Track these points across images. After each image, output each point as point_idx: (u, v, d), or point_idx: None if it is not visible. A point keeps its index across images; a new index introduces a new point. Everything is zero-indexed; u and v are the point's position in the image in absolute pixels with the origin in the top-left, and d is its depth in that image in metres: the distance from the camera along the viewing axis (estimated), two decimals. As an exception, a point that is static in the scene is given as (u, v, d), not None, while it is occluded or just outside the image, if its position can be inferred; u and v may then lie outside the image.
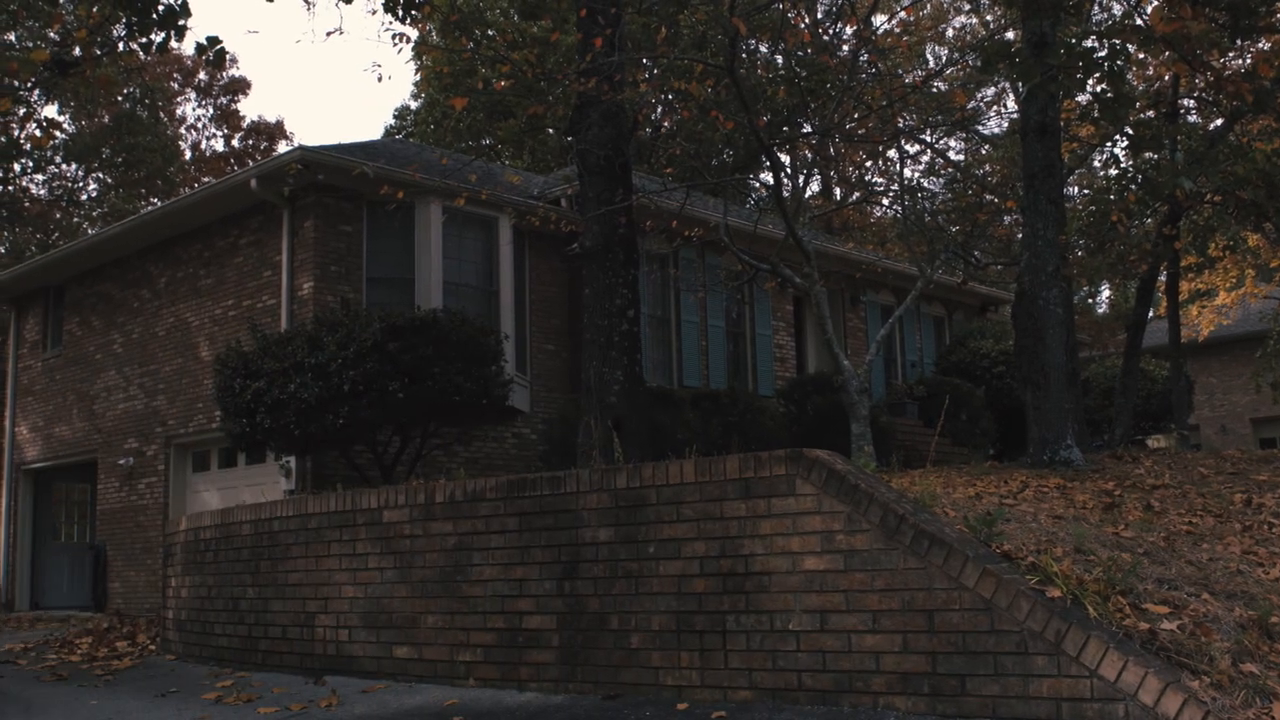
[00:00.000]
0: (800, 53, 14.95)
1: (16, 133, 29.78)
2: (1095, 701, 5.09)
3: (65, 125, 31.71)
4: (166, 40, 8.31)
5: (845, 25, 16.90)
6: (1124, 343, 19.48)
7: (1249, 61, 13.95)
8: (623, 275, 11.69)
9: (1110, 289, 40.42)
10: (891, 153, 21.53)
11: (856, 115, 14.49)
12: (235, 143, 39.64)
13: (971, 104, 24.05)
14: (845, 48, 15.79)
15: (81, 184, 33.38)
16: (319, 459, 13.81)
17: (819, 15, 17.70)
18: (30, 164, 31.57)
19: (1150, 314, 21.47)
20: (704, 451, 9.95)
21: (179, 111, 38.38)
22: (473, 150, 28.77)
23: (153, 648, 11.52)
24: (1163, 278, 19.01)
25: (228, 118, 39.44)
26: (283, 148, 38.27)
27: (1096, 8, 17.89)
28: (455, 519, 7.88)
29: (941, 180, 22.21)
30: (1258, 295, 26.17)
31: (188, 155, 37.99)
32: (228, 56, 9.22)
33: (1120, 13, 18.61)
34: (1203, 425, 33.08)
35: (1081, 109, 15.56)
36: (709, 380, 17.81)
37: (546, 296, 16.61)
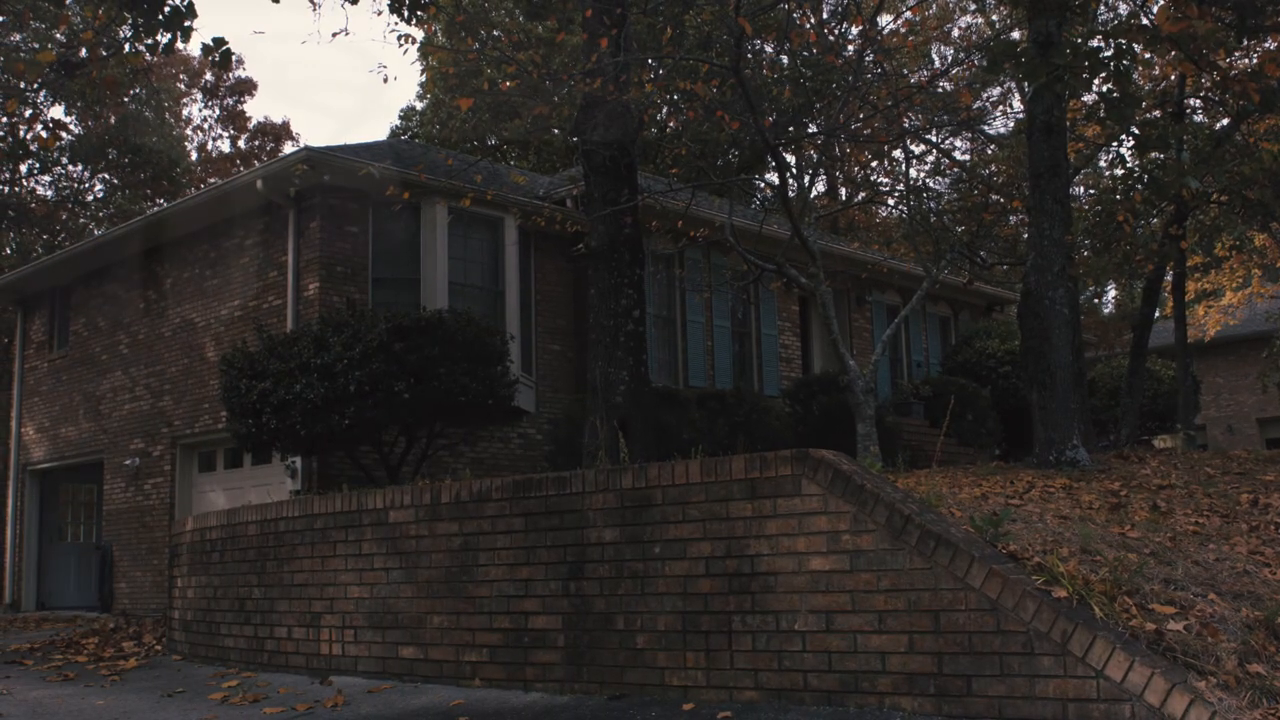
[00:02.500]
0: (806, 53, 14.94)
1: (23, 133, 29.84)
2: (1101, 702, 5.09)
3: (72, 126, 31.77)
4: (173, 41, 8.32)
5: (851, 25, 16.89)
6: (1130, 343, 19.44)
7: (1255, 61, 13.92)
8: (628, 275, 11.70)
9: (1116, 289, 40.36)
10: (897, 153, 21.52)
11: (862, 115, 14.48)
12: (241, 144, 39.70)
13: (977, 104, 24.02)
14: (851, 47, 15.76)
15: (88, 185, 33.44)
16: (325, 459, 13.82)
17: (824, 15, 17.67)
18: (37, 165, 31.63)
19: (1156, 314, 21.45)
20: (710, 451, 9.95)
21: (185, 112, 38.46)
22: (478, 151, 28.79)
23: (159, 648, 11.54)
24: (1169, 278, 18.97)
25: (234, 118, 39.50)
26: (288, 148, 38.33)
27: (1102, 7, 17.86)
28: (461, 519, 7.89)
29: (947, 180, 22.18)
30: (1264, 295, 26.11)
31: (194, 156, 38.05)
32: (234, 58, 9.23)
33: (1126, 12, 18.60)
34: (1209, 425, 33.03)
35: (1088, 109, 15.56)
36: (714, 380, 17.81)
37: (552, 297, 16.62)
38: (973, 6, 27.41)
